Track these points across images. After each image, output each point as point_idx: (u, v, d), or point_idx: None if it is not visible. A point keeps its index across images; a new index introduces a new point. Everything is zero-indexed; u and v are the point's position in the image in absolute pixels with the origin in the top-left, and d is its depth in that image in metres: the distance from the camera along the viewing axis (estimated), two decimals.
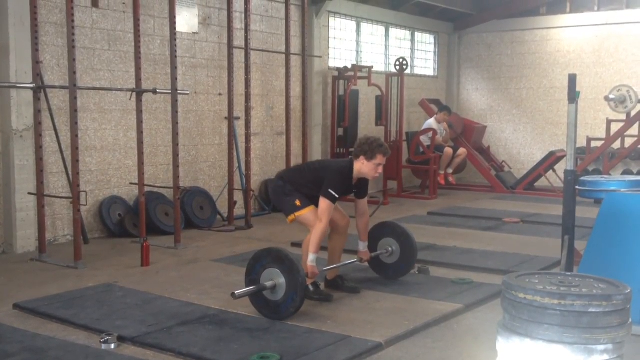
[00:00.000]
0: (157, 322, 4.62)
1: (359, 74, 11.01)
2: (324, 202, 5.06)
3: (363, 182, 5.37)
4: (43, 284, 5.77)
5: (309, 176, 5.31)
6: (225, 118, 9.07)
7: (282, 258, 4.78)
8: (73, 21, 6.29)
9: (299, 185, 5.29)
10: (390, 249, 5.86)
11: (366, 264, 5.87)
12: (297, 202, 5.21)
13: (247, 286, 4.88)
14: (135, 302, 5.12)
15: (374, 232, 5.90)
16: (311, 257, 5.05)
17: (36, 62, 6.64)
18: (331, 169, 5.25)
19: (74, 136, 6.34)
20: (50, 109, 7.15)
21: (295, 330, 4.51)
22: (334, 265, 5.52)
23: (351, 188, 5.35)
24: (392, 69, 12.18)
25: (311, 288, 5.20)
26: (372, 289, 5.55)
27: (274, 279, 4.78)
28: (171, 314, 4.84)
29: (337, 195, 5.08)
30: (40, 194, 6.67)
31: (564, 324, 2.98)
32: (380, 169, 5.20)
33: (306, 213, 5.21)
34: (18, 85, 6.75)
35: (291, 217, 5.28)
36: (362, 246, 5.60)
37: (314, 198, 5.20)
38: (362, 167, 5.17)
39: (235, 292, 4.72)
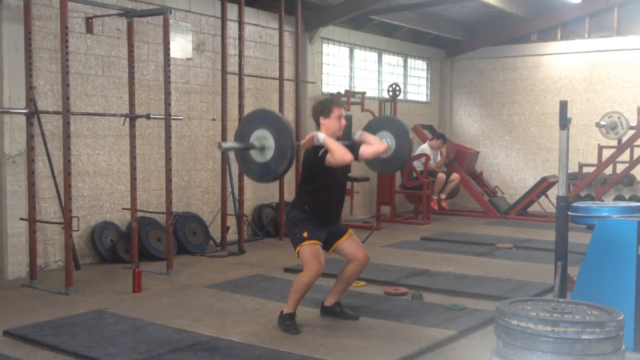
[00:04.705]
0: (149, 349, 4.58)
1: (352, 100, 11.07)
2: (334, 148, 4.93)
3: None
4: (33, 310, 5.72)
5: (303, 177, 5.27)
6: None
7: (274, 120, 4.83)
8: (67, 47, 6.30)
9: (303, 199, 5.19)
10: (385, 142, 5.68)
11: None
12: (305, 234, 5.07)
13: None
14: (127, 329, 5.08)
15: (371, 125, 5.82)
16: (321, 136, 4.98)
17: (30, 88, 6.65)
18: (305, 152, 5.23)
19: (67, 161, 6.33)
20: (43, 134, 7.15)
21: (288, 357, 4.47)
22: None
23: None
24: (385, 95, 12.25)
25: (287, 318, 5.08)
26: (365, 314, 5.52)
27: (264, 140, 4.82)
28: (162, 340, 4.80)
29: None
30: (32, 220, 6.64)
31: (557, 351, 2.98)
32: (343, 121, 5.19)
33: (307, 247, 5.04)
34: (11, 110, 6.75)
35: (297, 249, 5.11)
36: (357, 135, 5.38)
37: (319, 202, 5.14)
38: (327, 127, 5.14)
39: (222, 143, 4.75)
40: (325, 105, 5.20)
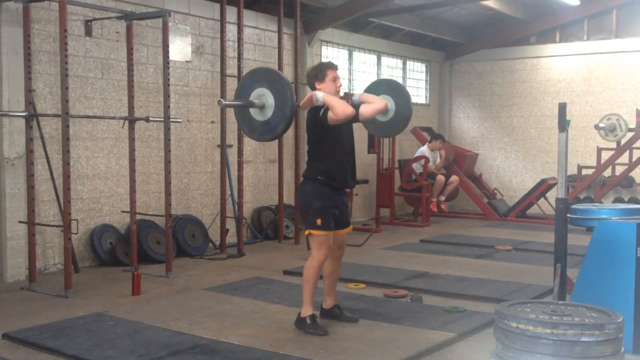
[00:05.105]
0: (148, 352, 4.58)
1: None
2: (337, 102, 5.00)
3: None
4: (33, 313, 5.71)
5: (310, 143, 5.27)
6: (218, 146, 9.09)
7: (273, 78, 4.85)
8: (66, 50, 6.30)
9: (315, 167, 5.19)
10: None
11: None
12: (318, 221, 5.09)
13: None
14: (126, 332, 5.07)
15: (372, 88, 5.82)
16: (320, 94, 5.05)
17: (29, 91, 6.66)
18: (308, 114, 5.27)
19: (66, 164, 6.33)
20: (42, 137, 7.14)
21: None
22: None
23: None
24: None
25: (308, 321, 5.11)
26: (364, 317, 5.52)
27: (263, 98, 4.84)
28: (162, 343, 4.79)
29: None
30: (31, 223, 6.63)
31: (556, 353, 2.98)
32: (339, 82, 5.22)
33: (319, 236, 5.10)
34: (10, 113, 6.75)
35: (307, 232, 5.21)
36: (357, 96, 5.40)
37: (331, 166, 5.15)
38: (324, 91, 5.13)
39: (222, 100, 4.78)
40: (319, 69, 5.22)
